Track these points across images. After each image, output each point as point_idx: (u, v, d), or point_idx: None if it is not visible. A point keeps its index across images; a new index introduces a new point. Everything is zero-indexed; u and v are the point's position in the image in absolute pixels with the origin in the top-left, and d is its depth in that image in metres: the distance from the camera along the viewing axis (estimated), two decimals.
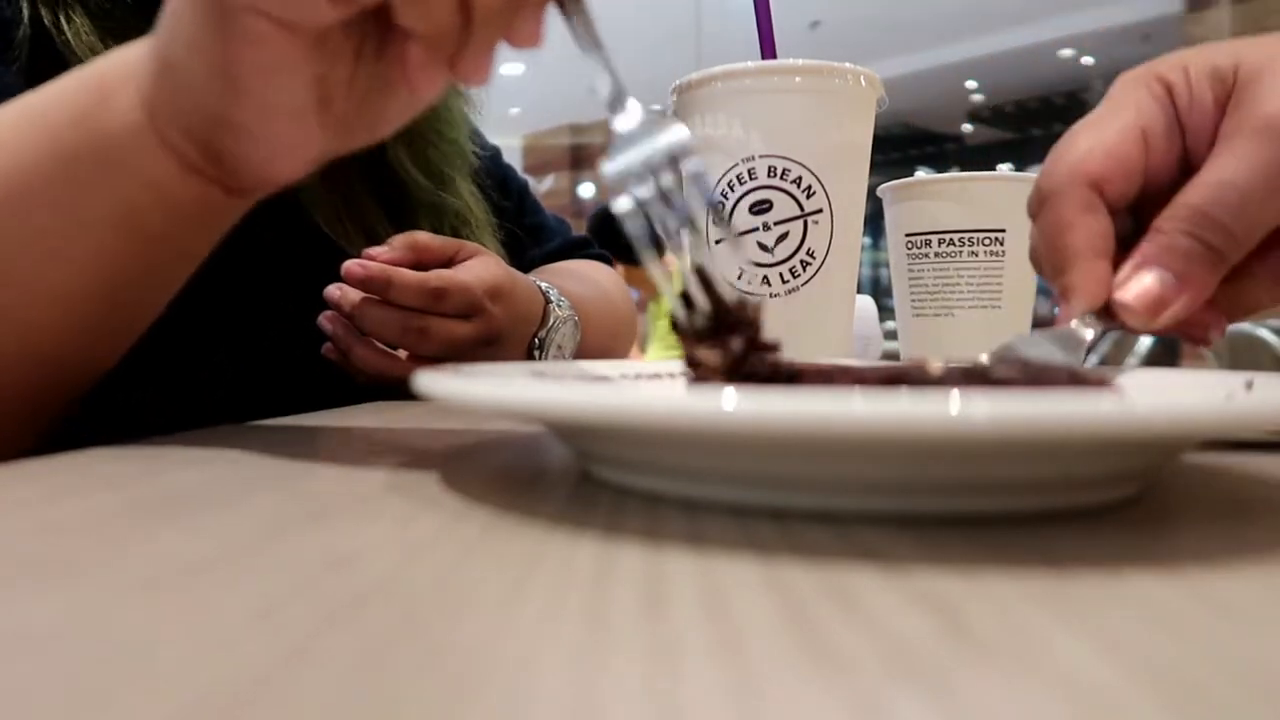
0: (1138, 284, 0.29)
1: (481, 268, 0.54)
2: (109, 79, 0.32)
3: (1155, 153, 0.31)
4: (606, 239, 0.85)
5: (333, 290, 0.50)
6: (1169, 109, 0.31)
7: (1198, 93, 0.31)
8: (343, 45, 0.29)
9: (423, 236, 0.53)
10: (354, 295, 0.50)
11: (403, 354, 0.53)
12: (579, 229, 0.88)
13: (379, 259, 0.50)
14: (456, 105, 0.64)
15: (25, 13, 0.46)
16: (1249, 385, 0.25)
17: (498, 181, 0.74)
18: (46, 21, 0.46)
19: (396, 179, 0.61)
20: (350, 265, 0.49)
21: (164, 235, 0.33)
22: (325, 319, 0.51)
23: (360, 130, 0.32)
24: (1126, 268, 0.29)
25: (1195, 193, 0.29)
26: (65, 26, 0.46)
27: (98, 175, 0.31)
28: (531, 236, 0.78)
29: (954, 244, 0.55)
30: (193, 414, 0.38)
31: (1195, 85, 0.31)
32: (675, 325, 0.25)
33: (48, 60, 0.44)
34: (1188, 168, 0.31)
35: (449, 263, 0.54)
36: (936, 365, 0.24)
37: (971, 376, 0.24)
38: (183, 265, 0.36)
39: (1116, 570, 0.16)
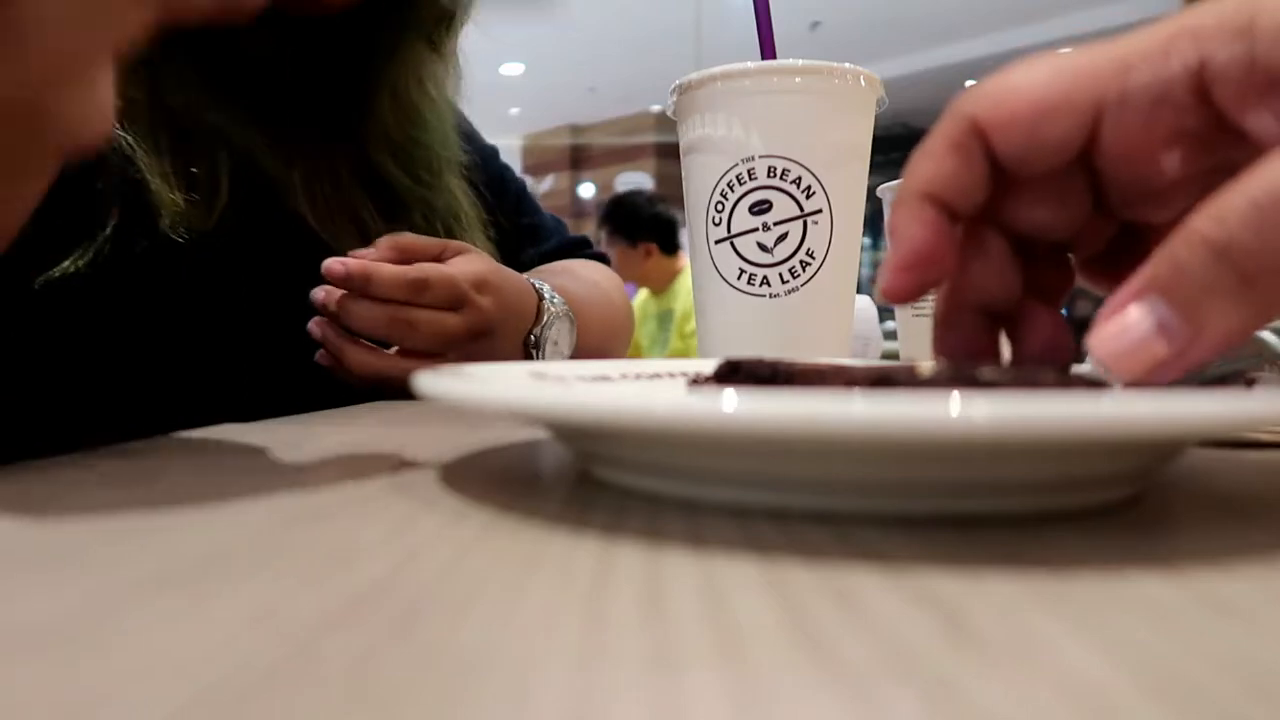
0: (1116, 325, 0.20)
1: (465, 262, 0.54)
2: None
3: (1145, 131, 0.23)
4: (619, 222, 0.85)
5: (317, 293, 0.51)
6: (1190, 79, 0.22)
7: (1264, 59, 0.21)
8: None
9: (407, 237, 0.54)
10: (338, 294, 0.50)
11: (395, 351, 0.53)
12: (578, 230, 0.88)
13: (362, 258, 0.50)
14: (431, 111, 0.64)
15: None
16: (1249, 385, 0.25)
17: (494, 181, 0.73)
18: None
19: (385, 181, 0.61)
20: (330, 263, 0.49)
21: None
22: (314, 324, 0.52)
23: None
24: (1120, 291, 0.20)
25: (1253, 183, 0.19)
26: None
27: None
28: (528, 236, 0.78)
29: None
30: (193, 414, 0.38)
31: (1261, 53, 0.21)
32: None
33: None
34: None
35: (436, 260, 0.54)
36: (929, 366, 0.24)
37: (966, 379, 0.24)
38: None
39: (1117, 570, 0.16)
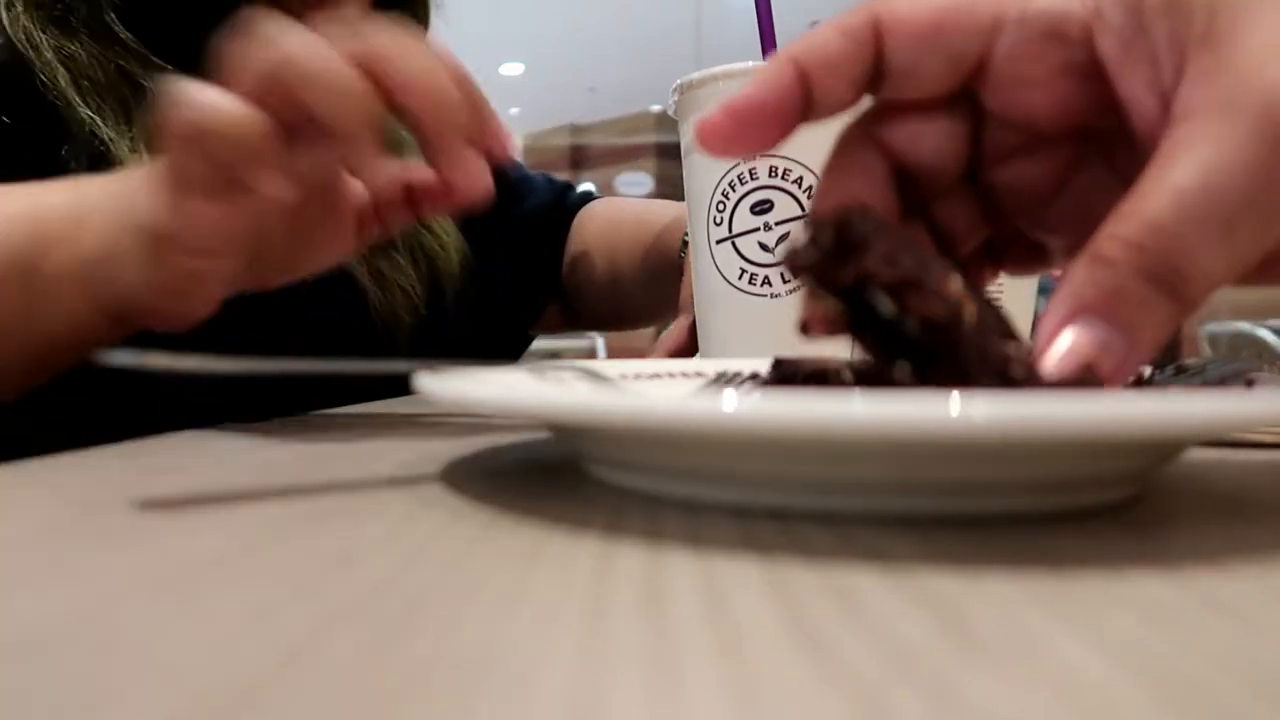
0: (1060, 350, 0.20)
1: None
2: (57, 228, 0.35)
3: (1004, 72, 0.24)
4: None
5: None
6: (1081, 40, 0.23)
7: (1152, 26, 0.21)
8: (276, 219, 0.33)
9: None
10: None
11: None
12: None
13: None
14: None
15: None
16: (1249, 385, 0.25)
17: None
18: None
19: None
20: None
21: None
22: None
23: (279, 275, 0.38)
24: (1049, 316, 0.21)
25: (1155, 201, 0.20)
26: (3, 13, 0.47)
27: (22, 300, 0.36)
28: (519, 189, 0.83)
29: None
30: (193, 414, 0.38)
31: (1147, 13, 0.21)
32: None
33: None
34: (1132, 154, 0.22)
35: None
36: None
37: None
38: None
39: (1117, 570, 0.16)
